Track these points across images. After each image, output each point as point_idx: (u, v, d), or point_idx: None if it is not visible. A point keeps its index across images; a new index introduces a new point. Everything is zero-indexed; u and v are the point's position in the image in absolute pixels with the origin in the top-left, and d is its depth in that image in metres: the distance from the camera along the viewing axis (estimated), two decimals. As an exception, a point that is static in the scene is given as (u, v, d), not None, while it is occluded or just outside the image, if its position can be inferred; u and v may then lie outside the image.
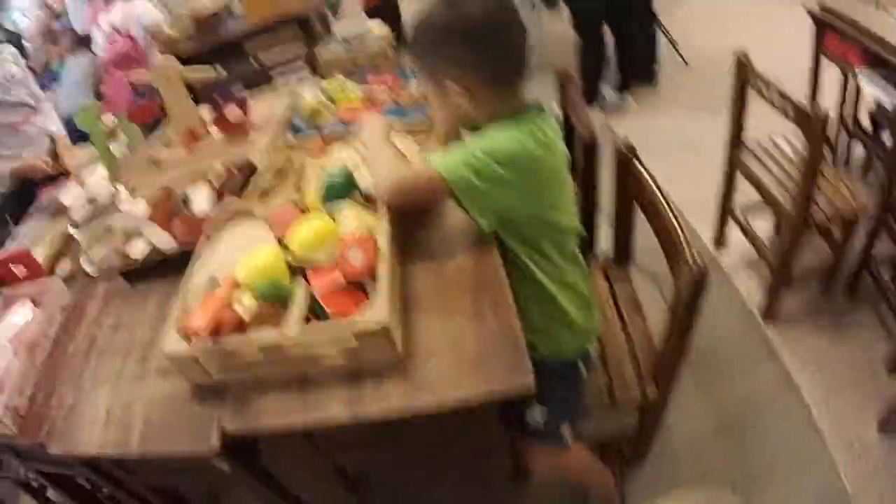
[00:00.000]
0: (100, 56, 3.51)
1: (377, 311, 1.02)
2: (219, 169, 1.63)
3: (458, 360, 1.03)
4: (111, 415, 1.15)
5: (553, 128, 1.20)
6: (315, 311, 1.09)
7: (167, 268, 1.43)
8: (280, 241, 1.22)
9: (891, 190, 1.94)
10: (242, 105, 1.91)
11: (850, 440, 1.83)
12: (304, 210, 1.28)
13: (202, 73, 1.89)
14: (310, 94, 1.88)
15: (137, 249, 1.47)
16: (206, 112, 1.98)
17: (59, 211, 1.75)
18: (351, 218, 1.20)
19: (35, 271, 1.58)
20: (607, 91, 3.76)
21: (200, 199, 1.55)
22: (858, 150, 2.67)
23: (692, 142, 3.25)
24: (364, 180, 1.31)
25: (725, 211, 2.44)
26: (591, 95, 3.65)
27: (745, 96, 2.09)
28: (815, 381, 2.00)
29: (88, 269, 1.53)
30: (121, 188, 1.59)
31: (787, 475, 1.78)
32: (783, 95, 1.84)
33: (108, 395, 1.19)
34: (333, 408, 1.02)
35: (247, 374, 1.10)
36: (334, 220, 1.23)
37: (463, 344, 1.06)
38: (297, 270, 1.17)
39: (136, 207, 1.63)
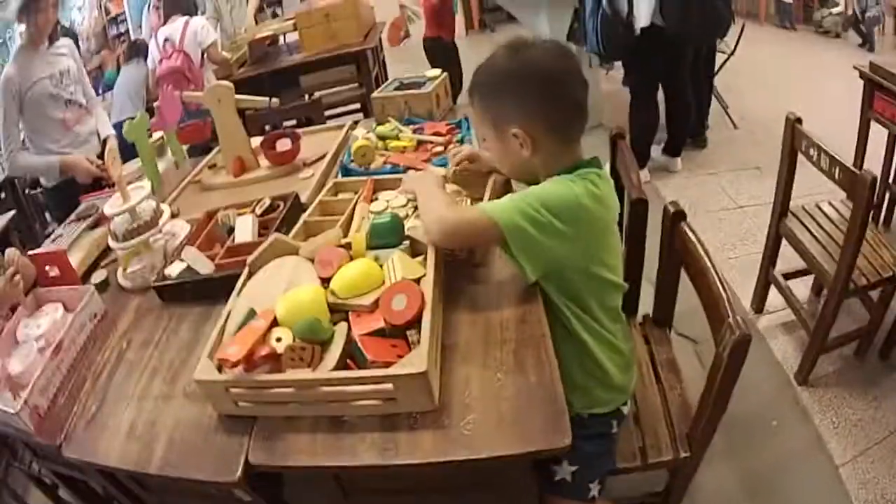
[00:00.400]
0: (152, 68, 3.62)
1: (417, 360, 1.05)
2: (266, 202, 1.69)
3: (496, 414, 1.05)
4: (134, 430, 1.17)
5: (607, 183, 1.25)
6: (355, 356, 1.12)
7: (202, 292, 1.48)
8: (324, 282, 1.27)
9: None
10: (295, 139, 1.98)
11: (878, 498, 1.85)
12: (350, 253, 1.32)
13: (255, 102, 1.96)
14: (362, 134, 1.94)
15: (174, 269, 1.52)
16: (256, 142, 2.05)
17: (100, 220, 1.81)
18: (398, 265, 1.24)
19: (68, 275, 1.62)
20: (656, 153, 3.82)
21: (244, 229, 1.60)
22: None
23: (737, 203, 3.38)
24: (412, 229, 1.36)
25: (767, 277, 2.46)
26: (643, 158, 3.67)
27: (795, 162, 2.12)
28: (845, 443, 2.03)
29: (123, 282, 1.58)
30: (164, 207, 1.64)
31: None
32: (832, 159, 1.87)
33: (133, 409, 1.22)
34: (364, 453, 1.04)
35: (277, 410, 1.13)
36: (380, 265, 1.27)
37: (502, 399, 1.07)
38: (340, 313, 1.21)
39: (177, 228, 1.69)
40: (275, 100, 1.96)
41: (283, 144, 1.96)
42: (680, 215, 1.52)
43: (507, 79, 1.21)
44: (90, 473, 1.23)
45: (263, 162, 1.99)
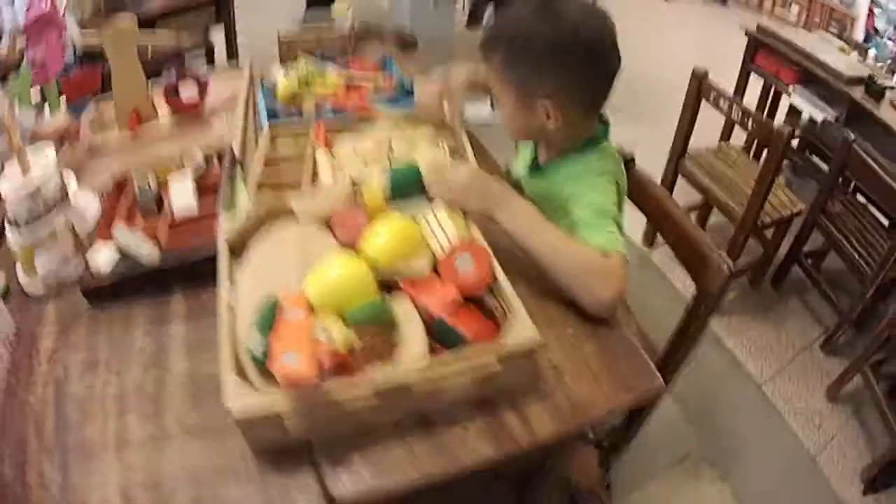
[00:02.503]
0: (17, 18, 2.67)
1: (525, 328, 0.79)
2: (198, 157, 1.23)
3: (589, 372, 0.89)
4: (132, 500, 0.74)
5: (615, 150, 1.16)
6: (441, 335, 0.80)
7: (146, 285, 1.03)
8: (347, 249, 0.90)
9: (830, 190, 2.09)
10: (201, 84, 1.48)
11: (803, 409, 1.98)
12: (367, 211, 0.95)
13: (162, 38, 1.42)
14: (282, 75, 1.51)
15: (101, 259, 1.04)
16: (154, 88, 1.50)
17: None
18: (444, 220, 0.92)
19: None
20: None
21: (184, 196, 1.14)
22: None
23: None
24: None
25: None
26: None
27: (698, 110, 2.16)
28: (760, 364, 2.13)
29: (31, 288, 1.05)
30: (70, 177, 1.12)
31: (756, 447, 1.87)
32: (745, 112, 1.94)
33: (116, 469, 0.77)
34: (480, 446, 0.78)
35: (343, 426, 0.78)
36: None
37: (583, 356, 0.91)
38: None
39: (83, 203, 1.18)
40: (184, 35, 1.44)
41: (188, 90, 1.46)
42: (631, 161, 1.37)
43: (543, 46, 0.99)
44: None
45: (161, 110, 1.47)
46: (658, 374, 0.89)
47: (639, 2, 5.74)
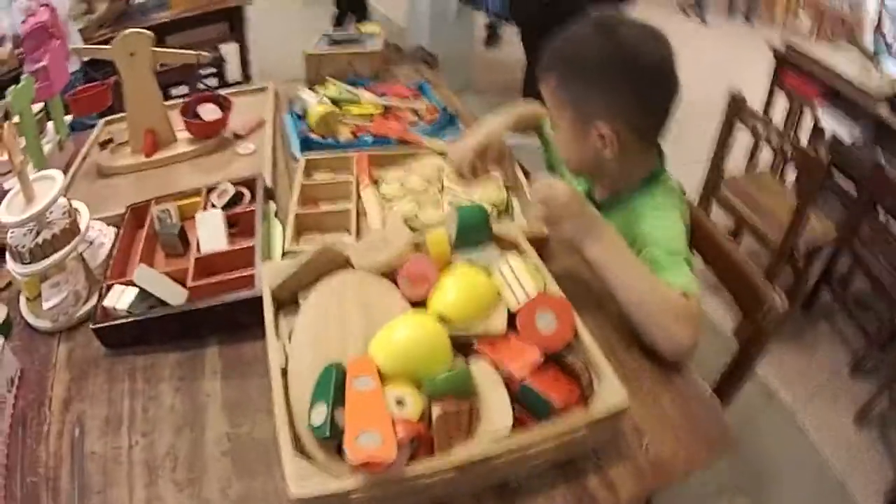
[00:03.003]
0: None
1: (614, 391, 0.72)
2: (228, 189, 1.13)
3: (669, 429, 0.82)
4: None
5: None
6: (525, 401, 0.71)
7: (171, 331, 0.93)
8: (413, 305, 0.81)
9: (860, 216, 2.03)
10: (224, 105, 1.38)
11: (833, 435, 1.94)
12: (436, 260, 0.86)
13: (179, 56, 1.32)
14: (313, 98, 1.42)
15: (120, 299, 0.93)
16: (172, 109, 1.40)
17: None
18: (521, 272, 0.83)
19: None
20: None
21: (214, 231, 1.04)
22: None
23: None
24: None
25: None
26: None
27: (731, 133, 2.10)
28: (793, 391, 2.09)
29: (38, 322, 0.94)
30: (80, 205, 1.02)
31: (786, 473, 1.84)
32: (780, 135, 1.89)
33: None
34: None
35: (417, 501, 0.69)
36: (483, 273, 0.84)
37: (661, 410, 0.85)
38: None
39: (98, 234, 1.08)
40: (203, 53, 1.33)
41: (209, 112, 1.36)
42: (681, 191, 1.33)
43: (599, 65, 0.95)
44: None
45: (181, 135, 1.37)
46: (729, 426, 0.86)
47: (664, 22, 5.76)
